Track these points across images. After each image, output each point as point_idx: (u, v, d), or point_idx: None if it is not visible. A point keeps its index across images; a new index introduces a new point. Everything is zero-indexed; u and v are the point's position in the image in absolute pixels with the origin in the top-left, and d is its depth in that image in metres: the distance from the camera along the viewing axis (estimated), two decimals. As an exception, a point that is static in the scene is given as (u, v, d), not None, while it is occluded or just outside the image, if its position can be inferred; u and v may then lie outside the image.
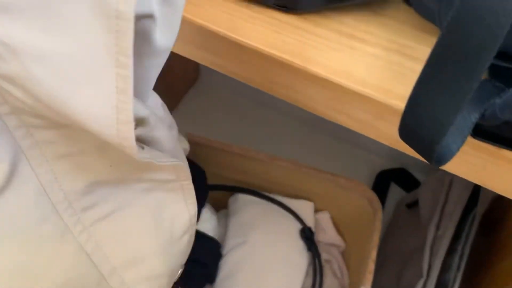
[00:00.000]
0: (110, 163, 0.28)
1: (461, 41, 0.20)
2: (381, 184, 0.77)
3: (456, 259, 0.48)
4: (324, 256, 0.57)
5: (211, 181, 0.57)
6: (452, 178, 0.56)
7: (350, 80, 0.29)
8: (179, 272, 0.39)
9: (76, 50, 0.19)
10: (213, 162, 0.58)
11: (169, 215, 0.33)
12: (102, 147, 0.27)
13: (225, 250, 0.57)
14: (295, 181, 0.57)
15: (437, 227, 0.51)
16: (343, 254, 0.59)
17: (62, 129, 0.25)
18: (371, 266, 0.47)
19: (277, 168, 0.55)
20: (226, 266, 0.56)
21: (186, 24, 0.32)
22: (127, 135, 0.21)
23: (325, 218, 0.59)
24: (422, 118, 0.21)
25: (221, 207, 0.64)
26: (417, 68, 0.29)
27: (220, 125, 0.83)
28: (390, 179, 0.77)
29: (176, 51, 0.35)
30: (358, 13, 0.33)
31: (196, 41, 0.33)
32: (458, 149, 0.23)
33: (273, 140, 0.78)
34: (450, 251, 0.49)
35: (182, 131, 0.55)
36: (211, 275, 0.55)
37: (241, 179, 0.60)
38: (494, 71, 0.28)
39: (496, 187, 0.28)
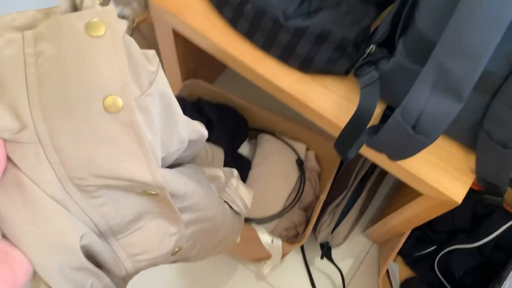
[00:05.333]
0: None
1: (354, 122, 0.61)
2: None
3: (369, 180, 0.93)
4: (307, 175, 1.00)
5: (250, 125, 1.00)
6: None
7: (325, 111, 0.70)
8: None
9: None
10: (251, 115, 0.99)
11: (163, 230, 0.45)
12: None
13: (252, 166, 1.00)
14: (298, 132, 0.98)
15: (362, 163, 0.95)
16: (318, 175, 1.03)
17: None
18: (328, 185, 0.91)
19: (289, 125, 0.97)
20: (252, 174, 0.99)
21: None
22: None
23: (311, 154, 1.02)
24: (341, 143, 0.62)
25: (252, 139, 1.07)
26: (354, 109, 0.69)
27: (253, 90, 1.21)
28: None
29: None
30: (336, 77, 0.72)
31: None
32: (355, 154, 0.64)
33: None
34: (365, 177, 0.94)
35: (230, 91, 0.92)
36: (244, 178, 0.99)
37: (266, 125, 1.01)
38: (385, 117, 0.68)
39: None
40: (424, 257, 1.03)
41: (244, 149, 1.02)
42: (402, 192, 0.94)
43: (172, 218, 0.44)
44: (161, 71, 0.37)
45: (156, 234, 0.44)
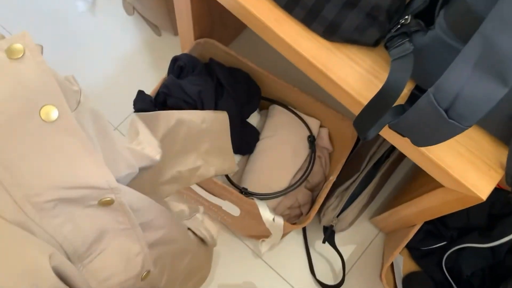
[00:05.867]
0: None
1: (380, 98, 0.54)
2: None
3: (383, 166, 0.87)
4: (317, 153, 0.94)
5: (262, 94, 0.93)
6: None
7: (346, 84, 0.63)
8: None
9: None
10: (264, 83, 0.93)
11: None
12: None
13: (261, 137, 0.94)
14: (313, 107, 0.91)
15: (378, 147, 0.89)
16: (329, 155, 0.97)
17: None
18: (339, 166, 0.85)
19: (304, 98, 0.90)
20: (260, 146, 0.93)
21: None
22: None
23: (325, 131, 0.96)
24: (362, 121, 0.56)
25: (262, 109, 1.00)
26: (378, 85, 0.63)
27: (271, 56, 1.13)
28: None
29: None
30: (363, 48, 0.65)
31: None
32: (375, 135, 0.58)
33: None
34: (379, 161, 0.88)
35: (245, 56, 0.86)
36: (251, 149, 0.93)
37: (279, 96, 0.95)
38: (412, 96, 0.61)
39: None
40: (431, 252, 0.97)
41: (253, 120, 0.96)
42: (419, 181, 0.88)
43: (132, 235, 0.46)
44: (84, 95, 0.41)
45: (121, 254, 0.46)
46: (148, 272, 0.50)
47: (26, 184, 0.36)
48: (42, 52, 0.38)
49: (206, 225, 0.66)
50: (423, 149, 0.61)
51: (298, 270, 1.01)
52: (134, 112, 0.81)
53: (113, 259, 0.45)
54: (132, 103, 0.81)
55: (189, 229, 0.62)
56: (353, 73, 0.64)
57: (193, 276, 0.62)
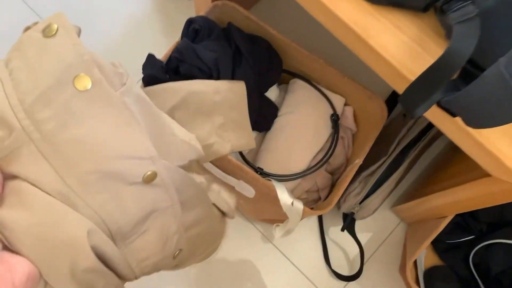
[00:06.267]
0: None
1: (438, 68, 0.46)
2: (393, 99, 1.03)
3: (412, 150, 0.79)
4: (341, 134, 0.86)
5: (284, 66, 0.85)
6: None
7: (388, 53, 0.55)
8: None
9: None
10: (287, 54, 0.84)
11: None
12: None
13: (279, 113, 0.86)
14: (339, 83, 0.83)
15: (408, 129, 0.81)
16: (353, 136, 0.89)
17: None
18: (367, 149, 0.77)
19: (329, 72, 0.81)
20: (279, 123, 0.85)
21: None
22: None
23: (349, 110, 0.87)
24: (411, 95, 0.48)
25: (281, 84, 0.92)
26: (425, 57, 0.55)
27: (295, 24, 1.05)
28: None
29: None
30: (409, 13, 0.57)
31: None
32: (424, 112, 0.50)
33: (332, 50, 1.02)
34: (409, 145, 0.80)
35: (267, 22, 0.78)
36: (268, 125, 0.85)
37: (302, 70, 0.86)
38: (465, 72, 0.53)
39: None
40: (457, 245, 0.90)
41: (271, 94, 0.88)
42: (454, 169, 0.79)
43: (172, 213, 0.45)
44: (132, 80, 0.41)
45: (161, 235, 0.45)
46: (180, 250, 0.49)
47: (67, 156, 0.36)
48: (79, 34, 0.39)
49: (224, 197, 0.61)
50: (474, 132, 0.53)
51: (311, 258, 0.95)
52: (142, 79, 0.74)
53: (154, 239, 0.45)
54: (141, 68, 0.73)
55: (213, 204, 0.58)
56: (396, 41, 0.55)
57: (208, 249, 0.61)
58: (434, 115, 0.56)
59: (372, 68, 0.58)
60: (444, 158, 0.95)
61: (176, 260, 0.49)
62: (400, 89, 0.57)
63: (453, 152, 0.91)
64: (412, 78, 0.54)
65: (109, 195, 0.38)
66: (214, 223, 0.58)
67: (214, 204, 0.58)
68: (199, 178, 0.57)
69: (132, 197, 0.40)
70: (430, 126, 0.81)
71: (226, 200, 0.62)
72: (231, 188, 0.84)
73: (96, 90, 0.36)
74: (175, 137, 0.46)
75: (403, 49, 0.55)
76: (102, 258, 0.38)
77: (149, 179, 0.40)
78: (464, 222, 0.88)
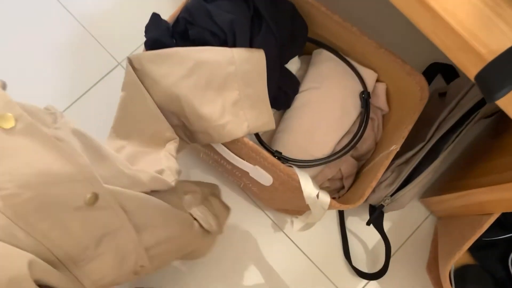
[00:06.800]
0: None
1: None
2: (430, 71, 0.92)
3: (453, 136, 0.68)
4: (370, 114, 0.75)
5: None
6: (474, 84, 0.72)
7: (455, 19, 0.43)
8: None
9: None
10: (313, 19, 0.72)
11: None
12: None
13: (301, 89, 0.75)
14: (371, 55, 0.71)
15: (449, 112, 0.69)
16: (384, 117, 0.78)
17: None
18: (405, 133, 0.66)
19: (362, 42, 0.70)
20: (300, 100, 0.74)
21: None
22: None
23: (381, 87, 0.76)
24: (493, 74, 0.37)
25: (303, 54, 0.80)
26: (501, 25, 0.43)
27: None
28: (438, 71, 0.92)
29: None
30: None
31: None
32: (505, 94, 0.39)
33: (365, 19, 0.89)
34: (451, 130, 0.68)
35: None
36: (288, 102, 0.74)
37: (329, 39, 0.75)
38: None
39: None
40: (493, 244, 0.81)
41: (292, 66, 0.76)
42: (500, 163, 0.68)
43: (125, 235, 0.46)
44: (68, 119, 0.47)
45: (116, 255, 0.46)
46: (142, 267, 0.50)
47: (2, 187, 0.38)
48: (4, 88, 0.43)
49: (216, 211, 0.63)
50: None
51: (328, 251, 0.85)
52: (144, 43, 0.62)
53: (109, 260, 0.46)
54: (144, 30, 0.62)
55: (195, 219, 0.58)
56: (465, 5, 0.44)
57: (189, 258, 0.67)
58: (504, 102, 0.45)
59: (431, 39, 0.46)
60: (481, 147, 0.84)
61: (139, 275, 0.51)
62: (466, 65, 0.46)
63: (492, 140, 0.81)
64: (484, 51, 0.43)
65: (52, 223, 0.40)
66: (189, 241, 0.58)
67: (195, 219, 0.58)
68: (192, 188, 0.60)
69: (78, 222, 0.42)
70: (475, 108, 0.70)
71: (217, 213, 0.62)
72: (241, 177, 0.75)
73: (22, 126, 0.40)
74: (120, 169, 0.47)
75: (474, 15, 0.44)
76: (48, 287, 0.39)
77: (91, 201, 0.42)
78: (504, 218, 0.78)
